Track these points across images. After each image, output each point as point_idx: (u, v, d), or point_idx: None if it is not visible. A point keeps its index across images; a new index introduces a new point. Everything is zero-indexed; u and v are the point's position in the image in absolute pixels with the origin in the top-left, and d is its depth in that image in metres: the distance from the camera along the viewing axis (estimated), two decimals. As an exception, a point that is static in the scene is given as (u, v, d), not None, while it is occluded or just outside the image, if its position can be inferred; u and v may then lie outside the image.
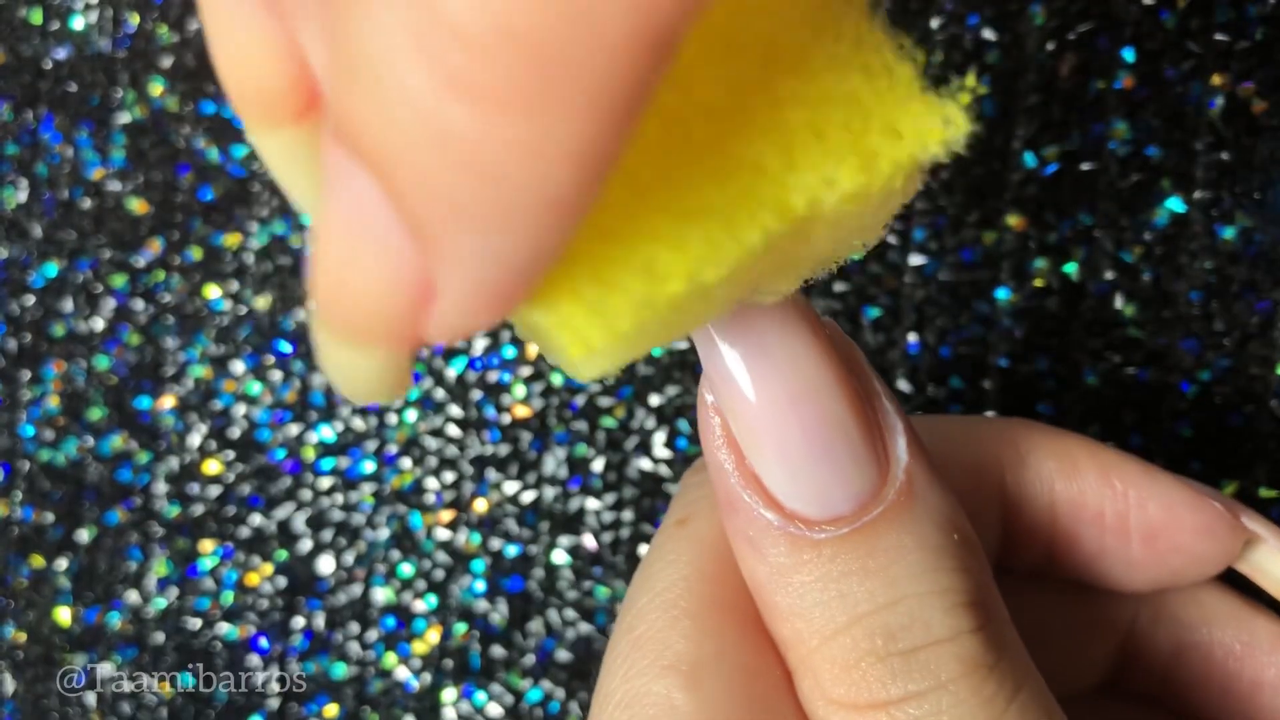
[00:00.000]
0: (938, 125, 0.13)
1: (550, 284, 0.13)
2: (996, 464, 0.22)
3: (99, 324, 0.33)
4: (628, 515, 0.32)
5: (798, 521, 0.17)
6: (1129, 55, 0.30)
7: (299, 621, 0.33)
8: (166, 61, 0.33)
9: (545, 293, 0.13)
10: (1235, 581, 0.24)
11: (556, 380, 0.32)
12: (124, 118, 0.33)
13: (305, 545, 0.33)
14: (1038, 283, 0.30)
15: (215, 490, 0.33)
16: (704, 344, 0.17)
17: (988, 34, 0.30)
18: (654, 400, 0.32)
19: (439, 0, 0.10)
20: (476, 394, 0.32)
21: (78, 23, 0.34)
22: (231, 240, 0.33)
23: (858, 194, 0.13)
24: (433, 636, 0.32)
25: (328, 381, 0.15)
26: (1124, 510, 0.22)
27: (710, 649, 0.18)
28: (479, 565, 0.32)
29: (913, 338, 0.31)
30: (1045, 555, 0.23)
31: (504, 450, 0.32)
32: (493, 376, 0.32)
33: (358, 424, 0.33)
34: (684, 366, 0.32)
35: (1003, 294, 0.31)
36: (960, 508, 0.18)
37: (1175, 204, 0.30)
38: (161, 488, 0.33)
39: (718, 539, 0.19)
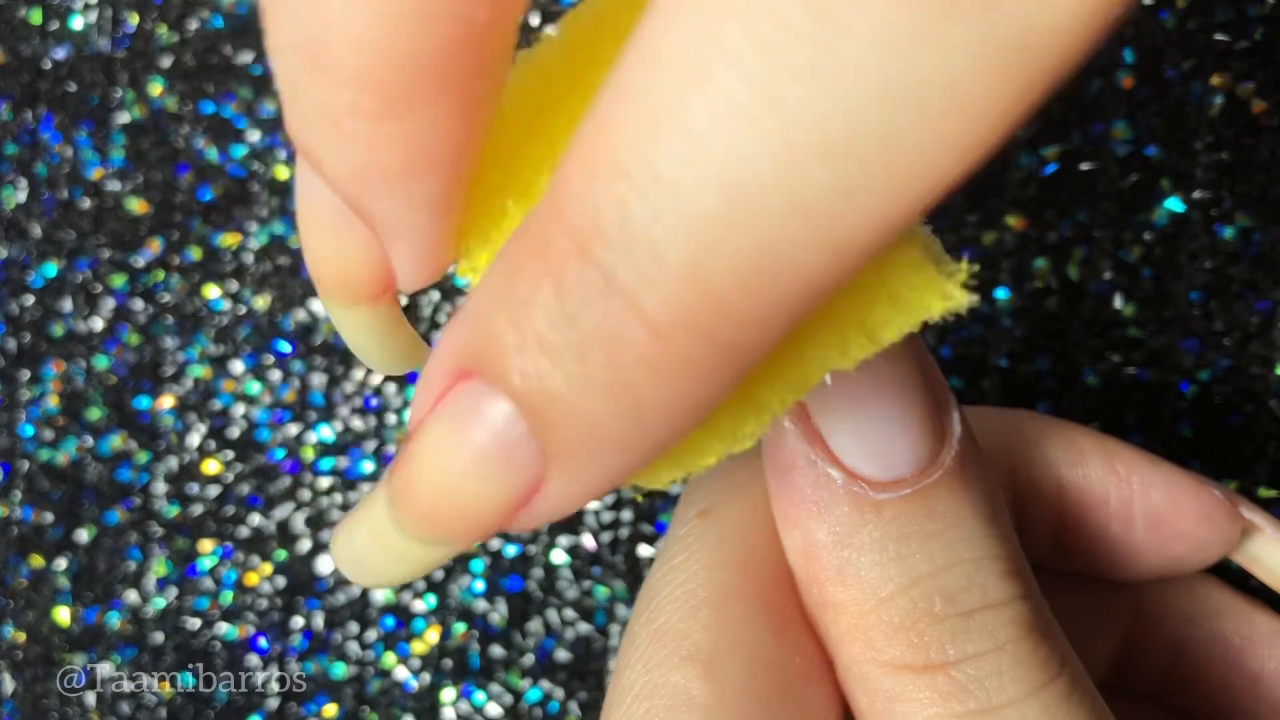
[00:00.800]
0: (939, 300, 0.14)
1: None
2: (1005, 453, 0.22)
3: (98, 324, 0.33)
4: (627, 515, 0.32)
5: (861, 482, 0.17)
6: (1129, 55, 0.30)
7: (298, 621, 0.33)
8: (166, 61, 0.33)
9: None
10: (1229, 577, 0.24)
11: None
12: (123, 117, 0.33)
13: (304, 545, 0.33)
14: (1038, 283, 0.30)
15: (214, 490, 0.33)
16: None
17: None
18: (654, 400, 0.32)
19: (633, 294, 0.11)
20: (476, 394, 0.32)
21: (77, 23, 0.34)
22: (230, 240, 0.33)
23: (865, 358, 0.15)
24: (432, 636, 0.32)
25: (337, 567, 0.16)
26: (1128, 496, 0.22)
27: (729, 639, 0.18)
28: (478, 565, 0.32)
29: (913, 337, 0.31)
30: (1051, 544, 0.23)
31: (504, 450, 0.32)
32: (492, 376, 0.32)
33: (357, 424, 0.33)
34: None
35: (1003, 294, 0.31)
36: (997, 482, 0.18)
37: (1175, 204, 0.30)
38: (161, 487, 0.33)
39: (740, 528, 0.19)
